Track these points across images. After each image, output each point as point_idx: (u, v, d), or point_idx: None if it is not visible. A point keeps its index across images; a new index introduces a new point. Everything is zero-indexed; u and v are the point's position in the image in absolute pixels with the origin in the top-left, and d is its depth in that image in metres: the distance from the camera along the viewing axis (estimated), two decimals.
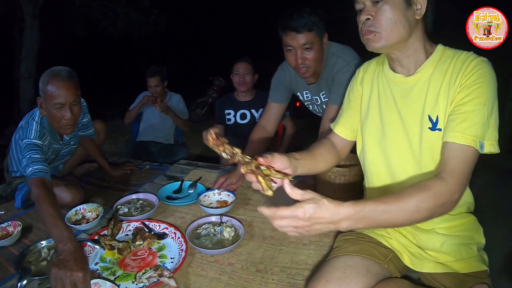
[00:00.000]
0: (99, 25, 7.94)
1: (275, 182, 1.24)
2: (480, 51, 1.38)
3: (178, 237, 1.88)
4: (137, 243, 1.83)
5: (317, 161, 1.56)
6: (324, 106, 2.41)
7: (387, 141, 1.50)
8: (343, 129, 1.70)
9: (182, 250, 1.77)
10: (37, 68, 6.94)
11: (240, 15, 11.76)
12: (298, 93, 2.58)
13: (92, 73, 10.11)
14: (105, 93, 9.43)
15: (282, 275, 1.65)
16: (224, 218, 2.01)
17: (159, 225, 2.00)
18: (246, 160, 1.20)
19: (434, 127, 1.35)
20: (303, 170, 1.44)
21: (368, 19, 1.33)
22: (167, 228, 1.97)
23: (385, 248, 1.53)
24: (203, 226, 1.97)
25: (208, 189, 2.38)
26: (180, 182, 2.58)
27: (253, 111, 3.50)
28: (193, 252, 1.80)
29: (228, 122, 3.54)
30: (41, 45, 7.13)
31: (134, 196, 2.35)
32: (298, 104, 2.94)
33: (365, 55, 1.67)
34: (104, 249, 1.79)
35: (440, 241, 1.43)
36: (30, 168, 1.95)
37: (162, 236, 1.91)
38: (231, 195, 2.28)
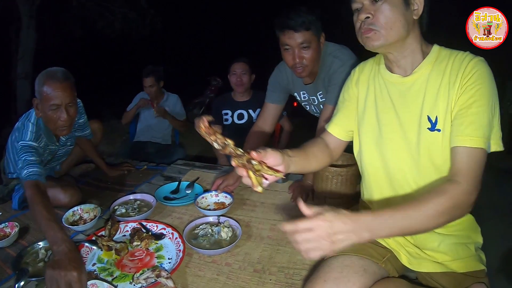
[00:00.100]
0: (96, 25, 7.93)
1: (266, 179, 1.21)
2: (476, 51, 1.38)
3: (176, 238, 1.87)
4: (135, 243, 1.83)
5: (309, 160, 1.54)
6: (321, 106, 2.41)
7: (384, 142, 1.50)
8: (337, 129, 1.69)
9: (179, 250, 1.78)
10: (34, 69, 6.91)
11: (237, 15, 11.75)
12: (295, 94, 2.58)
13: (89, 74, 10.10)
14: (102, 93, 9.41)
15: (280, 275, 1.65)
16: (222, 219, 2.01)
17: (157, 226, 1.99)
18: (238, 153, 1.17)
19: (433, 127, 1.35)
20: (296, 168, 1.40)
21: (368, 17, 1.33)
22: (164, 229, 1.96)
23: (383, 247, 1.53)
24: (201, 226, 1.97)
25: (206, 190, 2.38)
26: (177, 182, 2.58)
27: (250, 111, 3.49)
28: (190, 253, 1.80)
29: (225, 122, 3.54)
30: (38, 45, 7.11)
31: (131, 197, 2.34)
32: (295, 104, 2.94)
33: (362, 55, 1.67)
34: (101, 250, 1.79)
35: (438, 241, 1.43)
36: (25, 171, 1.95)
37: (159, 236, 1.91)
38: (229, 196, 2.28)
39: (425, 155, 1.39)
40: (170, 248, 1.84)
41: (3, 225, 2.03)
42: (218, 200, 2.30)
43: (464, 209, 1.23)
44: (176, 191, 2.50)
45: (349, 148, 1.76)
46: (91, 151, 2.86)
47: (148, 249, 1.82)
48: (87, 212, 2.17)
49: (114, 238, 1.89)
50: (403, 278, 1.48)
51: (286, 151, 1.36)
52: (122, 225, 1.99)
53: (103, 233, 1.90)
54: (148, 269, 1.63)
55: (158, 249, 1.83)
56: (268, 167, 1.21)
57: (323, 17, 2.13)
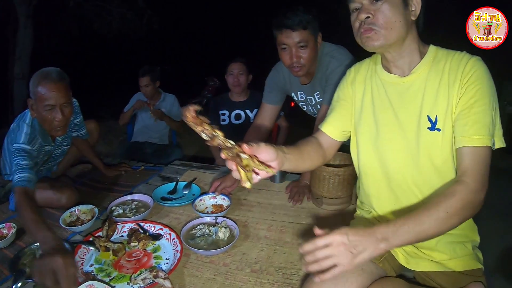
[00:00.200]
0: (93, 25, 7.92)
1: (257, 174, 1.15)
2: (472, 51, 1.39)
3: (173, 238, 1.87)
4: (132, 244, 1.83)
5: (304, 158, 1.51)
6: (318, 107, 2.42)
7: (382, 142, 1.50)
8: (331, 128, 1.67)
9: (177, 251, 1.77)
10: (31, 69, 6.89)
11: (234, 15, 11.76)
12: (293, 94, 2.58)
13: (87, 74, 10.10)
14: (99, 93, 9.40)
15: (277, 275, 1.65)
16: (219, 219, 2.01)
17: (154, 226, 1.99)
18: (228, 145, 1.09)
19: (433, 127, 1.36)
20: (289, 166, 1.37)
21: (368, 17, 1.33)
22: (162, 229, 1.96)
23: None
24: (198, 226, 1.97)
25: (203, 193, 2.38)
26: (174, 183, 2.58)
27: (247, 111, 3.49)
28: (188, 253, 1.80)
29: (222, 123, 3.53)
30: (35, 45, 7.09)
31: (128, 197, 2.34)
32: (292, 104, 2.95)
33: (359, 56, 1.67)
34: (99, 251, 1.78)
35: (435, 240, 1.42)
36: (16, 176, 1.95)
37: (157, 237, 1.91)
38: (226, 198, 2.27)
39: (424, 155, 1.39)
40: (167, 248, 1.83)
41: (0, 226, 2.02)
42: (216, 202, 2.29)
43: (475, 208, 1.25)
44: (173, 191, 2.49)
45: (346, 148, 1.76)
46: (88, 151, 2.86)
47: (145, 249, 1.82)
48: (84, 213, 2.16)
49: (111, 239, 1.89)
50: (400, 278, 1.49)
51: (281, 148, 1.31)
52: (119, 226, 1.99)
53: (100, 234, 1.90)
54: (145, 270, 1.62)
55: (155, 250, 1.82)
56: (260, 162, 1.15)
57: (320, 17, 2.14)
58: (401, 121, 1.44)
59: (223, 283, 1.61)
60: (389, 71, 1.49)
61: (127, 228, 1.99)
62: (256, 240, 1.93)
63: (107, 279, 1.61)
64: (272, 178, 2.61)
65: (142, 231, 1.94)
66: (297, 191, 2.35)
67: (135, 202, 2.29)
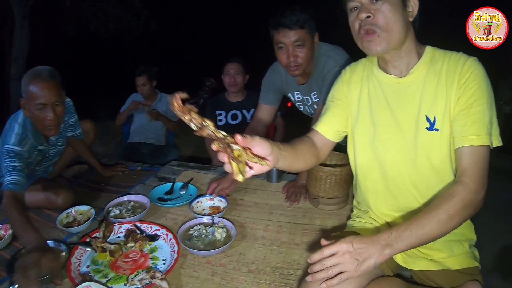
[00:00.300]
0: (90, 25, 7.90)
1: (250, 168, 1.10)
2: (470, 52, 1.40)
3: (170, 239, 1.87)
4: (129, 245, 1.82)
5: (298, 157, 1.46)
6: (315, 107, 2.42)
7: (380, 142, 1.51)
8: (326, 128, 1.65)
9: (174, 251, 1.77)
10: (27, 69, 6.85)
11: (231, 15, 11.75)
12: (289, 94, 2.58)
13: (83, 74, 10.07)
14: (96, 94, 9.38)
15: (274, 275, 1.66)
16: (216, 219, 2.01)
17: (151, 227, 1.99)
18: (219, 135, 1.02)
19: (431, 127, 1.37)
20: (283, 164, 1.31)
21: (369, 17, 1.33)
22: (158, 230, 1.96)
23: None
24: (195, 227, 1.97)
25: (200, 195, 2.37)
26: (171, 183, 2.58)
27: (244, 111, 3.49)
28: (185, 254, 1.80)
29: (219, 123, 3.53)
30: (31, 45, 7.07)
31: (125, 198, 2.33)
32: (289, 104, 2.95)
33: (356, 56, 1.67)
34: (95, 252, 1.78)
35: None
36: (6, 178, 1.96)
37: (154, 237, 1.91)
38: (224, 200, 2.27)
39: (423, 155, 1.40)
40: (164, 249, 1.83)
41: None
42: (213, 204, 2.29)
43: (475, 207, 1.27)
44: (170, 192, 2.49)
45: (342, 148, 1.76)
46: (84, 151, 2.84)
47: (142, 250, 1.82)
48: (81, 214, 2.16)
49: (108, 239, 1.88)
50: (398, 277, 1.49)
51: (277, 144, 1.25)
52: (116, 227, 1.99)
53: (97, 234, 1.89)
54: (142, 271, 1.62)
55: (152, 250, 1.82)
56: (254, 154, 1.08)
57: (317, 17, 2.14)
58: (399, 122, 1.45)
59: (220, 283, 1.62)
60: (386, 72, 1.49)
61: (124, 229, 1.99)
62: (253, 240, 1.93)
63: (104, 280, 1.60)
64: (268, 178, 2.62)
65: (139, 232, 1.94)
66: (294, 191, 2.35)
67: (132, 203, 2.29)
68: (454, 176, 1.39)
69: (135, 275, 1.59)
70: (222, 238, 1.88)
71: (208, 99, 3.98)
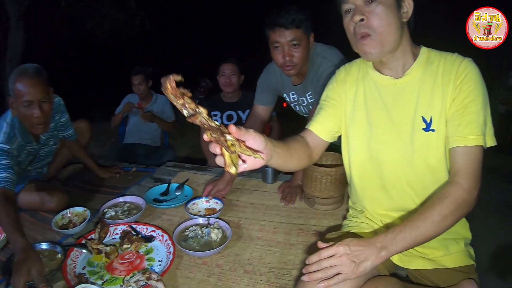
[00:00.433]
0: (85, 26, 7.88)
1: (243, 161, 1.06)
2: (465, 53, 1.41)
3: (166, 240, 1.87)
4: (125, 246, 1.82)
5: (292, 156, 1.42)
6: (310, 107, 2.42)
7: (376, 143, 1.51)
8: (320, 128, 1.64)
9: (169, 252, 1.77)
10: None
11: (226, 16, 11.75)
12: (285, 94, 2.58)
13: (79, 75, 10.05)
14: (91, 95, 9.36)
15: (270, 275, 1.66)
16: (212, 220, 2.01)
17: (147, 228, 1.99)
18: (212, 125, 0.96)
19: (428, 127, 1.38)
20: (277, 161, 1.26)
21: (363, 19, 1.33)
22: (154, 231, 1.96)
23: None
24: (191, 228, 1.96)
25: (196, 197, 2.36)
26: (167, 184, 2.57)
27: (239, 112, 3.49)
28: (180, 255, 1.80)
29: None
30: (26, 46, 7.05)
31: (121, 199, 2.33)
32: (285, 105, 2.95)
33: (350, 56, 1.68)
34: (91, 253, 1.78)
35: None
36: None
37: (149, 239, 1.91)
38: (219, 202, 2.27)
39: (419, 155, 1.41)
40: (160, 250, 1.83)
41: None
42: (209, 206, 2.29)
43: (469, 207, 1.29)
44: (165, 193, 2.49)
45: (338, 148, 1.76)
46: (79, 151, 2.83)
47: (138, 251, 1.82)
48: (76, 216, 2.15)
49: (104, 241, 1.88)
50: (394, 277, 1.49)
51: (272, 140, 1.20)
52: (111, 228, 1.98)
53: (92, 236, 1.89)
54: (138, 272, 1.62)
55: (148, 252, 1.82)
56: (247, 147, 1.02)
57: (312, 17, 2.15)
58: (395, 122, 1.45)
59: (216, 284, 1.62)
60: (381, 72, 1.49)
61: (120, 230, 1.99)
62: (248, 241, 1.93)
63: (100, 282, 1.60)
64: (264, 179, 2.62)
65: (134, 233, 1.94)
66: (289, 192, 2.35)
67: (128, 204, 2.28)
68: None
69: (131, 277, 1.59)
70: (218, 239, 1.88)
71: (204, 100, 3.96)
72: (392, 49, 1.37)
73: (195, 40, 12.48)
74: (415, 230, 1.25)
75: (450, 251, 1.46)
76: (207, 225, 1.97)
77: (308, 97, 2.42)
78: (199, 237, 1.89)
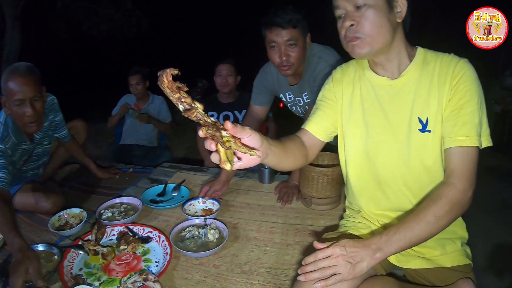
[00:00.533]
0: (82, 27, 7.87)
1: (239, 158, 1.05)
2: (463, 53, 1.41)
3: (163, 241, 1.87)
4: (122, 247, 1.82)
5: (287, 155, 1.40)
6: (307, 107, 2.42)
7: (373, 144, 1.51)
8: (316, 128, 1.63)
9: (166, 253, 1.77)
10: None
11: (222, 16, 11.76)
12: (281, 95, 2.58)
13: (75, 76, 10.03)
14: (88, 95, 9.35)
15: (268, 276, 1.66)
16: (208, 221, 2.01)
17: (143, 229, 1.99)
18: (208, 120, 0.96)
19: (424, 128, 1.39)
20: (272, 160, 1.26)
21: (352, 25, 1.33)
22: (151, 232, 1.96)
23: None
24: (187, 229, 1.96)
25: (193, 197, 2.35)
26: (163, 185, 2.57)
27: (236, 112, 3.49)
28: (178, 255, 1.80)
29: None
30: (22, 47, 7.03)
31: (117, 200, 2.32)
32: (281, 105, 2.95)
33: (346, 57, 1.68)
34: (88, 255, 1.77)
35: None
36: None
37: (146, 240, 1.90)
38: (216, 203, 2.26)
39: (415, 156, 1.41)
40: (157, 251, 1.83)
41: None
42: (206, 206, 2.28)
43: (463, 207, 1.30)
44: (162, 193, 2.49)
45: (334, 148, 1.76)
46: (78, 151, 2.83)
47: (135, 252, 1.82)
48: (73, 217, 2.14)
49: (100, 242, 1.87)
50: (391, 276, 1.50)
51: (267, 138, 1.19)
52: (108, 229, 1.98)
53: (89, 237, 1.89)
54: (135, 273, 1.62)
55: (145, 253, 1.82)
56: (243, 144, 1.01)
57: (309, 18, 2.15)
58: (391, 123, 1.45)
59: (213, 285, 1.62)
60: (378, 73, 1.49)
61: (116, 231, 1.98)
62: (245, 241, 1.93)
63: (97, 283, 1.60)
64: (261, 179, 2.62)
65: (131, 234, 1.94)
66: (286, 192, 2.35)
67: (124, 205, 2.28)
68: None
69: (128, 278, 1.58)
70: (215, 240, 1.87)
71: (200, 100, 3.96)
72: (382, 49, 1.37)
73: (192, 40, 12.48)
74: (409, 232, 1.26)
75: (447, 251, 1.47)
76: (204, 226, 1.97)
77: (304, 97, 2.42)
78: (196, 238, 1.89)
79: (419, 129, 1.39)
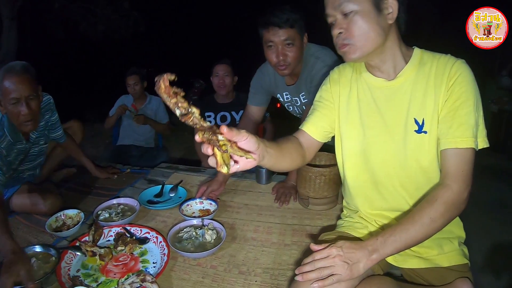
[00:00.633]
0: (79, 27, 7.86)
1: (236, 161, 1.06)
2: (462, 53, 1.41)
3: (160, 242, 1.87)
4: (119, 248, 1.82)
5: (284, 156, 1.41)
6: (304, 107, 2.42)
7: (369, 145, 1.51)
8: (313, 128, 1.64)
9: (164, 254, 1.77)
10: None
11: (220, 16, 11.76)
12: (278, 95, 2.58)
13: (72, 76, 10.02)
14: (85, 96, 9.34)
15: (265, 276, 1.66)
16: (206, 221, 2.01)
17: (141, 230, 1.98)
18: (204, 125, 0.96)
19: (420, 129, 1.39)
20: (269, 162, 1.26)
21: (341, 33, 1.35)
22: (148, 233, 1.96)
23: None
24: (185, 229, 1.96)
25: (190, 198, 2.35)
26: (161, 186, 2.57)
27: (233, 113, 3.48)
28: (175, 256, 1.80)
29: None
30: (19, 47, 7.02)
31: (114, 201, 2.32)
32: (278, 106, 2.96)
33: None
34: (85, 256, 1.77)
35: None
36: None
37: (143, 240, 1.90)
38: (213, 203, 2.26)
39: (412, 157, 1.42)
40: (154, 252, 1.83)
41: None
42: (203, 207, 2.28)
43: (459, 208, 1.31)
44: (159, 194, 2.49)
45: (331, 148, 1.76)
46: (75, 150, 2.82)
47: (132, 253, 1.81)
48: (70, 218, 2.14)
49: (98, 243, 1.88)
50: (388, 276, 1.50)
51: (264, 140, 1.20)
52: (105, 230, 1.98)
53: (86, 238, 1.88)
54: (133, 274, 1.62)
55: (142, 254, 1.82)
56: (239, 147, 1.02)
57: (306, 17, 2.15)
58: (388, 124, 1.46)
59: (211, 285, 1.62)
60: (374, 74, 1.49)
61: (114, 232, 1.98)
62: (243, 242, 1.94)
63: (94, 284, 1.60)
64: (258, 180, 2.62)
65: (128, 235, 1.93)
66: (284, 192, 2.35)
67: (121, 206, 2.27)
68: None
69: (126, 279, 1.58)
70: (212, 240, 1.87)
71: (197, 101, 3.95)
72: (374, 53, 1.37)
73: (189, 41, 12.47)
74: (405, 233, 1.27)
75: (444, 250, 1.47)
76: (202, 226, 1.97)
77: (301, 98, 2.42)
78: (193, 238, 1.89)
79: (415, 130, 1.39)
